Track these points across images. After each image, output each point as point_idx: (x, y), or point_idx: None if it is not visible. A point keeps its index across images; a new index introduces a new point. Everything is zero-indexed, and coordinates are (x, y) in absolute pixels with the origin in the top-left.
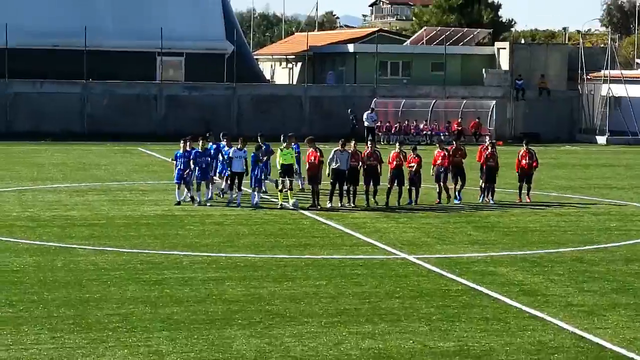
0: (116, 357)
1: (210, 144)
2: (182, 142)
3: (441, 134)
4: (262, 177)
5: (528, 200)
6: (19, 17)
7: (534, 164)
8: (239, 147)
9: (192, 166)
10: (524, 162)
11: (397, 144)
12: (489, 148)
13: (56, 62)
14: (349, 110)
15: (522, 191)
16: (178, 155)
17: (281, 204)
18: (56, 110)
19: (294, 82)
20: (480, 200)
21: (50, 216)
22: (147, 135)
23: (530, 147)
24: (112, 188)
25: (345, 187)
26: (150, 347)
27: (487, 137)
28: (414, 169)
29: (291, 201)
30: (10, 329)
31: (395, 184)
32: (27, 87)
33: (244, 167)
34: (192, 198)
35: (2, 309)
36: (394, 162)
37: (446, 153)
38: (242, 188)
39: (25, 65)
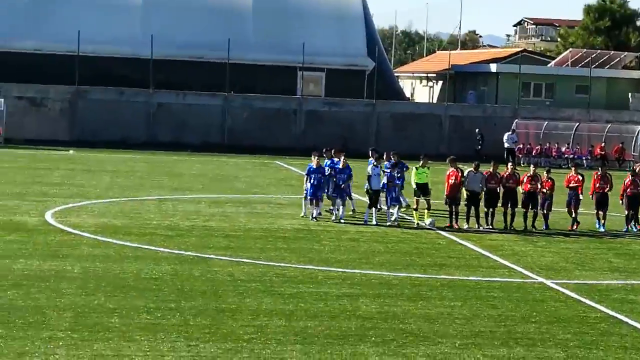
0: None
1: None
2: (314, 156)
3: (583, 158)
4: (399, 195)
5: None
6: (165, 29)
7: None
8: (375, 164)
9: (332, 182)
10: None
11: (531, 166)
12: (630, 175)
13: (199, 74)
14: (477, 130)
15: None
16: (311, 169)
17: (417, 223)
18: (197, 122)
19: (434, 101)
20: (626, 229)
21: (189, 226)
22: (285, 149)
23: None
24: (250, 200)
25: (485, 209)
26: (284, 359)
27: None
28: (547, 194)
29: (427, 220)
30: (148, 335)
31: (530, 208)
32: (170, 98)
33: (381, 185)
34: (316, 215)
35: (140, 316)
36: (528, 185)
37: (580, 178)
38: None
39: (169, 76)
